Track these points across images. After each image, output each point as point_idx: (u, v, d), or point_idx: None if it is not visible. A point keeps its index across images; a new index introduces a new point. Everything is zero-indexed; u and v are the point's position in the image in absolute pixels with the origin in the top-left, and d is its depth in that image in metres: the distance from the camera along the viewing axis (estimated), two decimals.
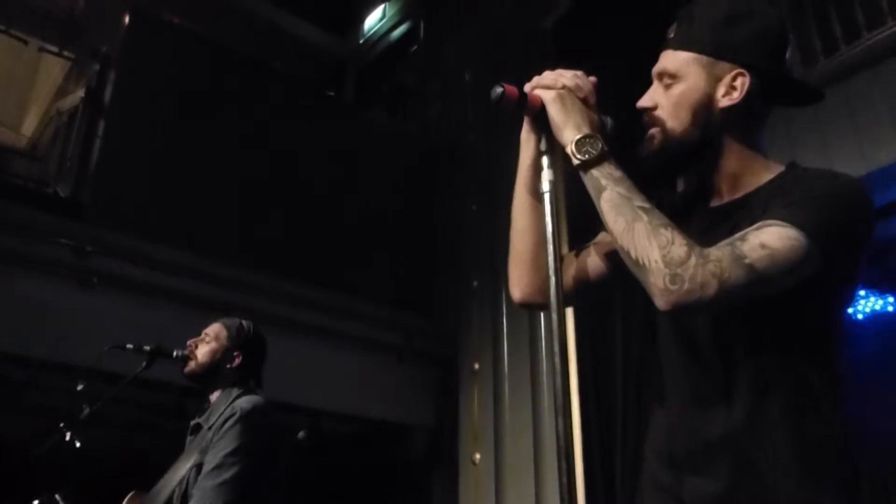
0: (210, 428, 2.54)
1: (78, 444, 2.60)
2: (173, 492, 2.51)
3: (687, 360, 1.34)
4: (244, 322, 2.84)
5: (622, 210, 1.20)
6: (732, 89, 1.33)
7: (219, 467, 2.37)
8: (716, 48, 1.35)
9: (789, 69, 1.40)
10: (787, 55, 1.39)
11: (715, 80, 1.34)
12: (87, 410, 2.66)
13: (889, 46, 3.92)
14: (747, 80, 1.33)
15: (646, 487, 1.38)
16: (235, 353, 2.74)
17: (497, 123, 5.54)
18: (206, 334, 2.75)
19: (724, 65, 1.34)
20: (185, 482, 2.49)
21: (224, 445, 2.41)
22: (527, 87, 1.31)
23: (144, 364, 2.73)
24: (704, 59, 1.35)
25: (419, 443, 5.86)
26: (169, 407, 4.90)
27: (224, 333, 2.75)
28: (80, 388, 2.70)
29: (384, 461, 6.17)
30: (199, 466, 2.45)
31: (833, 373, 1.29)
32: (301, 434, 3.74)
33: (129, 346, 2.73)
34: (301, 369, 5.04)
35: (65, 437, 2.61)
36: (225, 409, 2.55)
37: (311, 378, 5.13)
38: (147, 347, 2.72)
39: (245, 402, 2.55)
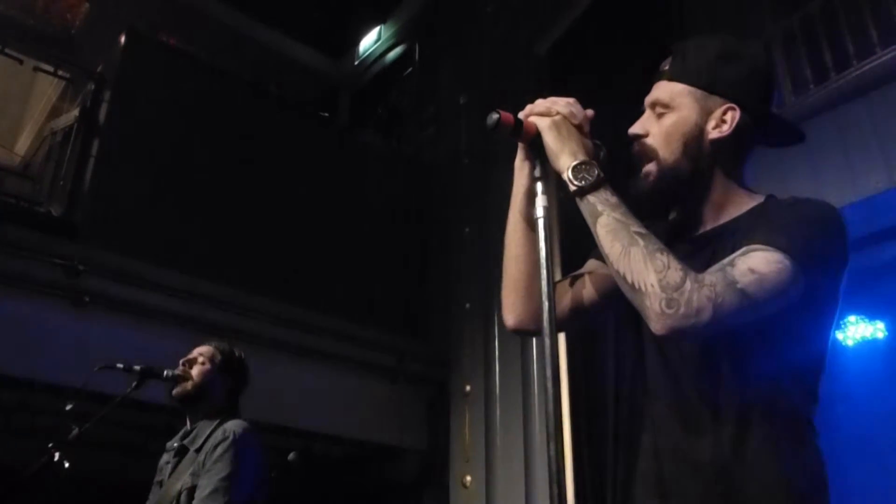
0: (198, 451, 2.53)
1: (67, 465, 2.57)
2: None
3: (673, 387, 1.35)
4: (234, 348, 2.84)
5: (619, 235, 1.22)
6: (723, 122, 1.37)
7: (216, 491, 2.38)
8: (709, 82, 1.38)
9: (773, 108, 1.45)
10: (775, 95, 1.44)
11: (706, 113, 1.38)
12: (75, 431, 2.63)
13: (878, 76, 3.98)
14: (737, 114, 1.36)
15: None
16: (227, 378, 2.75)
17: (490, 147, 5.58)
18: (201, 355, 2.74)
19: (716, 99, 1.38)
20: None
21: (220, 469, 2.43)
22: (521, 115, 1.33)
23: (134, 384, 2.71)
24: (698, 92, 1.39)
25: (411, 465, 5.83)
26: (158, 428, 4.86)
27: (218, 357, 2.75)
28: (68, 408, 2.67)
29: (375, 483, 6.13)
30: (190, 490, 2.45)
31: (815, 399, 1.31)
32: (291, 455, 3.70)
33: (119, 365, 2.70)
34: (293, 391, 5.02)
35: (53, 457, 2.59)
36: (214, 432, 2.55)
37: (303, 400, 5.11)
38: (137, 367, 2.70)
39: (235, 425, 2.56)
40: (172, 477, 2.59)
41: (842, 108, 4.13)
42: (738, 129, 1.36)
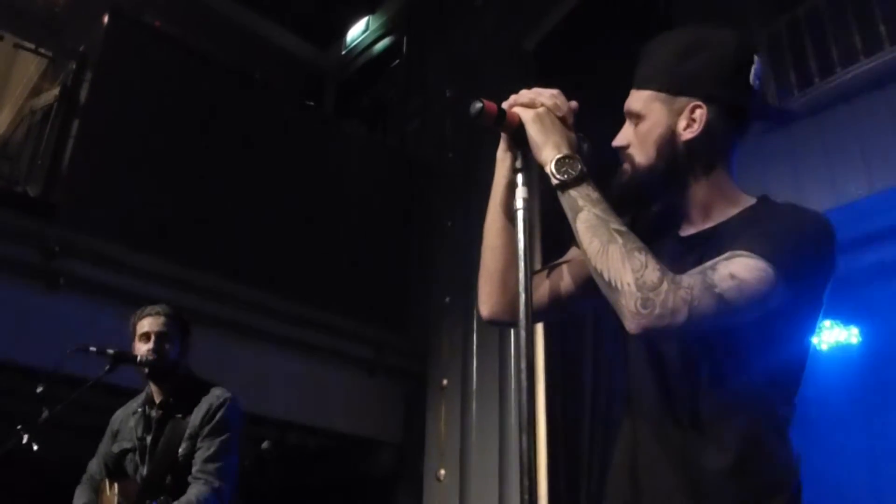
0: (184, 417, 2.67)
1: (35, 448, 2.54)
2: (164, 476, 2.62)
3: (655, 381, 1.35)
4: (173, 308, 2.90)
5: (598, 231, 1.22)
6: (692, 121, 1.35)
7: (218, 452, 2.58)
8: (671, 84, 1.37)
9: (756, 90, 1.40)
10: (752, 76, 1.38)
11: (675, 115, 1.36)
12: (46, 413, 2.61)
13: (862, 83, 4.00)
14: (704, 111, 1.34)
15: (609, 499, 1.39)
16: (186, 342, 2.85)
17: (475, 142, 5.57)
18: (163, 334, 2.77)
19: (682, 99, 1.36)
20: (177, 467, 2.61)
21: (220, 431, 2.62)
22: (505, 105, 1.32)
23: (107, 368, 2.70)
24: (663, 95, 1.38)
25: (386, 458, 5.82)
26: None
27: (175, 327, 2.81)
28: (39, 390, 2.64)
29: (350, 475, 6.12)
30: (190, 454, 2.60)
31: (793, 401, 1.31)
32: (265, 444, 3.69)
33: (93, 348, 2.70)
34: (269, 380, 5.00)
35: (22, 440, 2.56)
36: (203, 396, 2.69)
37: (278, 389, 5.08)
38: (110, 351, 2.70)
39: (222, 391, 2.73)
40: (162, 442, 2.68)
41: (825, 115, 4.16)
42: (710, 126, 1.35)
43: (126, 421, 2.84)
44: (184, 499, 2.50)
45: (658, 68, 1.39)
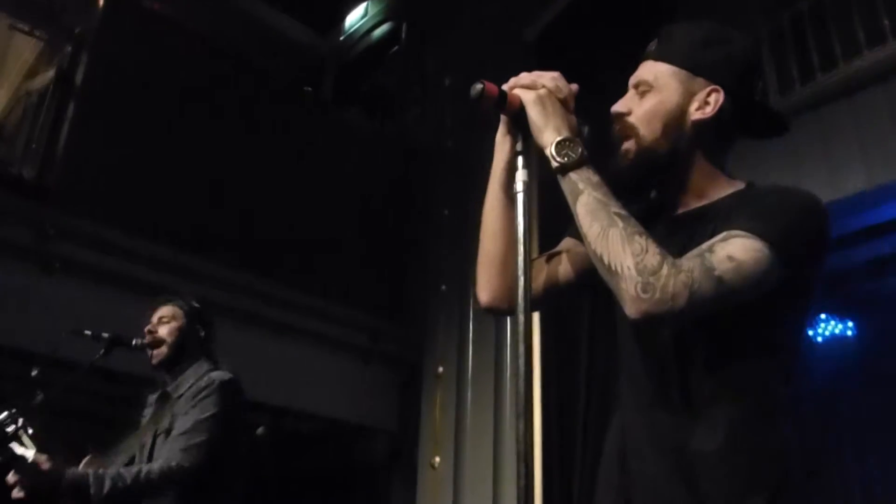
0: (180, 397, 2.61)
1: (31, 431, 2.54)
2: (134, 455, 2.59)
3: (646, 364, 1.35)
4: (189, 298, 2.86)
5: (598, 215, 1.21)
6: (706, 104, 1.36)
7: (188, 432, 2.47)
8: (694, 64, 1.38)
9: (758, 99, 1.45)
10: (759, 85, 1.44)
11: (689, 95, 1.37)
12: (40, 396, 2.60)
13: (864, 77, 4.00)
14: (721, 96, 1.36)
15: (599, 485, 1.39)
16: (198, 328, 2.78)
17: (474, 130, 5.55)
18: (163, 316, 2.74)
19: (699, 80, 1.37)
20: (149, 446, 2.57)
21: (198, 412, 2.51)
22: (506, 87, 1.31)
23: (102, 352, 2.69)
24: (682, 72, 1.38)
25: (381, 445, 5.83)
26: (124, 397, 4.80)
27: (180, 312, 2.77)
28: (34, 373, 2.64)
29: (344, 462, 6.14)
30: (167, 432, 2.54)
31: (789, 385, 1.30)
32: (260, 430, 3.67)
33: (87, 332, 2.69)
34: (265, 366, 4.98)
35: (17, 422, 2.55)
36: (200, 380, 2.62)
37: (274, 375, 5.07)
38: (105, 335, 2.69)
39: (220, 374, 2.64)
40: (151, 420, 2.66)
41: (826, 108, 4.15)
42: (721, 112, 1.36)
43: (146, 410, 2.84)
44: (134, 467, 2.43)
45: (681, 47, 1.40)
